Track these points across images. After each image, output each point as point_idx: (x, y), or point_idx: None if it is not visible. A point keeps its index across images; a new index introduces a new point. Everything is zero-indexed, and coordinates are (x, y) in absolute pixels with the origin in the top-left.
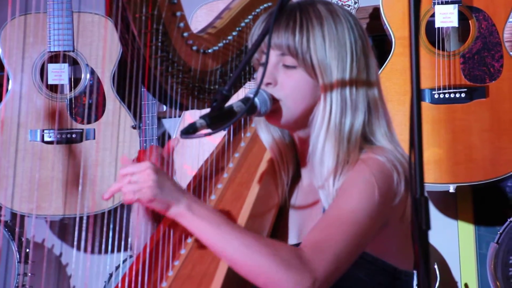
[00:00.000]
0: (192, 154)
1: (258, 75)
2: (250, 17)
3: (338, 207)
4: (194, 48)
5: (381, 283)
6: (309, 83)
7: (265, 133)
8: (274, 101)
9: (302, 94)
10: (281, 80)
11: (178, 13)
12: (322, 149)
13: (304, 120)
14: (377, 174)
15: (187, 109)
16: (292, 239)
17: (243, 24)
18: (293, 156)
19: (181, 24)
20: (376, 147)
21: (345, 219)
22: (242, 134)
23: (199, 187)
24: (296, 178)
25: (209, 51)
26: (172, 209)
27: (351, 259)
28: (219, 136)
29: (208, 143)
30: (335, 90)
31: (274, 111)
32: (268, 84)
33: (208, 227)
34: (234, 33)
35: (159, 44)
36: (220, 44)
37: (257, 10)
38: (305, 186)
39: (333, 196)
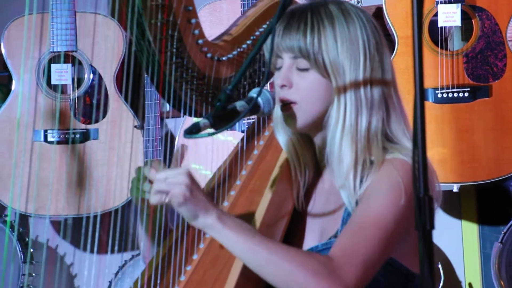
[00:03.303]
0: (198, 154)
1: (275, 79)
2: (264, 26)
3: (365, 211)
4: (209, 55)
5: (394, 284)
6: (323, 84)
7: (282, 135)
8: (291, 104)
9: (317, 96)
10: (296, 82)
11: (193, 20)
12: (339, 148)
13: (320, 121)
14: (404, 175)
15: (201, 115)
16: (312, 242)
17: (257, 33)
18: (311, 158)
19: (196, 31)
20: (401, 147)
21: (372, 224)
22: (256, 142)
23: (212, 193)
24: (315, 180)
25: (224, 58)
26: (200, 220)
27: (379, 264)
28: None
29: (213, 143)
30: (349, 89)
31: (291, 114)
32: (283, 86)
33: (238, 238)
34: (248, 42)
35: (174, 50)
36: (235, 52)
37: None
38: (327, 188)
39: (355, 196)
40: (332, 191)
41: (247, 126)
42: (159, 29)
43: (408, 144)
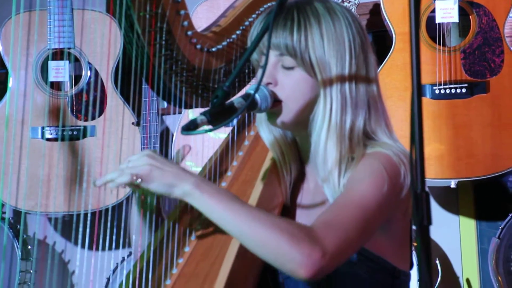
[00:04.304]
0: (194, 151)
1: (258, 76)
2: (253, 16)
3: (349, 192)
4: (198, 46)
5: (380, 282)
6: (308, 82)
7: (267, 133)
8: (276, 102)
9: (302, 94)
10: (281, 80)
11: (182, 12)
12: (324, 147)
13: (305, 119)
14: (386, 165)
15: (191, 107)
16: None
17: (247, 23)
18: (296, 155)
19: (185, 23)
20: (381, 143)
21: (355, 202)
22: (246, 133)
23: None
24: (301, 177)
25: (213, 49)
26: (177, 189)
27: (358, 242)
28: (223, 133)
29: (209, 139)
30: (335, 88)
31: (275, 112)
32: (268, 84)
33: (217, 204)
34: (238, 32)
35: (163, 42)
36: (224, 43)
37: (261, 9)
38: (312, 188)
39: (339, 190)
40: (317, 191)
41: None
42: (147, 21)
43: (388, 141)
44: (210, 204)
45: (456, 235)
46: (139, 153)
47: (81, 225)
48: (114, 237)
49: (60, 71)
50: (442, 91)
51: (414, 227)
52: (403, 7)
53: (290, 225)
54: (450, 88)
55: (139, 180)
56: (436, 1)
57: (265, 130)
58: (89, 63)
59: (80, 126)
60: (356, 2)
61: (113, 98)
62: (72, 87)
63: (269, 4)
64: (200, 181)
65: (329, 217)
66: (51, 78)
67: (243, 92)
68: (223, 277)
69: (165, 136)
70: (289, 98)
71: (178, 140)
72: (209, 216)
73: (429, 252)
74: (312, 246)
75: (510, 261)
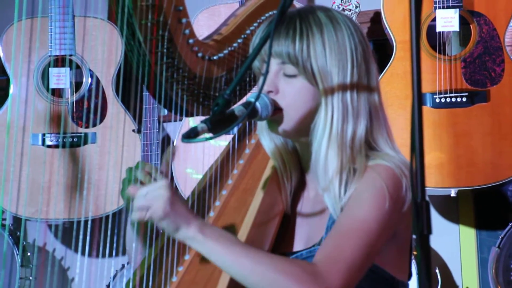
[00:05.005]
0: (194, 158)
1: (259, 84)
2: (255, 24)
3: (349, 217)
4: (200, 55)
5: None
6: (310, 91)
7: (268, 141)
8: (277, 110)
9: (304, 102)
10: (282, 88)
11: (184, 20)
12: (325, 156)
13: (306, 127)
14: (387, 181)
15: (192, 115)
16: (299, 247)
17: (248, 32)
18: (297, 163)
19: (187, 31)
20: (383, 154)
21: (356, 229)
22: (247, 141)
23: (204, 193)
24: (301, 186)
25: (215, 58)
26: (181, 232)
27: (363, 269)
28: (224, 141)
29: (210, 147)
30: (336, 97)
31: (276, 120)
32: (269, 92)
33: (220, 249)
34: (239, 40)
35: (165, 50)
36: (226, 51)
37: (262, 18)
38: (312, 197)
39: (340, 203)
40: (317, 200)
41: None
42: (149, 29)
43: (390, 152)
44: (212, 250)
45: (456, 244)
46: (158, 183)
47: (81, 232)
48: (114, 244)
49: (61, 78)
50: (443, 100)
51: (414, 236)
52: (403, 15)
53: (293, 266)
54: (451, 97)
55: (148, 214)
56: (437, 10)
57: (266, 138)
58: (90, 70)
59: (80, 133)
60: (357, 10)
61: (114, 105)
62: (73, 94)
63: (271, 12)
64: (203, 225)
65: (332, 250)
66: (52, 85)
67: (244, 100)
68: (223, 285)
69: (166, 144)
70: (290, 106)
71: (179, 148)
72: (212, 260)
73: (429, 261)
74: (317, 286)
75: (510, 270)
